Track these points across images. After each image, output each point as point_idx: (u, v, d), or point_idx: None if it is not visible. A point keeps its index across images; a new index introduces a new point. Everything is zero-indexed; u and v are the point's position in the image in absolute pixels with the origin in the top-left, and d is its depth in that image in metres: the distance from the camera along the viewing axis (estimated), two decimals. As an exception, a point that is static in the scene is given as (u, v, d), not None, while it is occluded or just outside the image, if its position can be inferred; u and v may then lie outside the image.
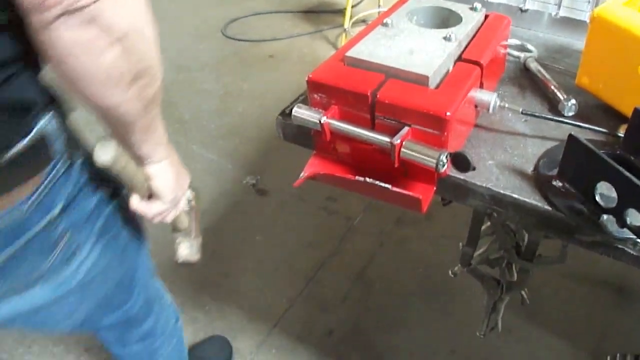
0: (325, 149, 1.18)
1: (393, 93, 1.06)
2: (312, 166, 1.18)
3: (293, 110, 1.13)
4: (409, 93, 1.05)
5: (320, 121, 1.09)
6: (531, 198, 1.08)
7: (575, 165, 1.06)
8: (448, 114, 1.00)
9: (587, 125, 1.22)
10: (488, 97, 1.17)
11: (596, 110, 1.33)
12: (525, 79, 1.46)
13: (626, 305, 2.67)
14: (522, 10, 1.71)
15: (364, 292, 2.74)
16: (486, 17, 1.36)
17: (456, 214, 3.00)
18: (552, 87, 1.36)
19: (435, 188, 1.11)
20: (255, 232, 3.09)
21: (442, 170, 1.02)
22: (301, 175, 1.16)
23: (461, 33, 1.22)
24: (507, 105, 1.21)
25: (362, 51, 1.15)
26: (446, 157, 1.01)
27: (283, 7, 5.77)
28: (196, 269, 2.82)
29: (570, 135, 1.04)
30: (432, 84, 1.08)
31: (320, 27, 5.31)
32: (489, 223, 1.82)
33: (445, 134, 1.03)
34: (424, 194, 1.08)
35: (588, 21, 1.56)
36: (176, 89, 4.39)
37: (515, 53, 1.52)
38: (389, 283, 2.78)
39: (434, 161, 1.00)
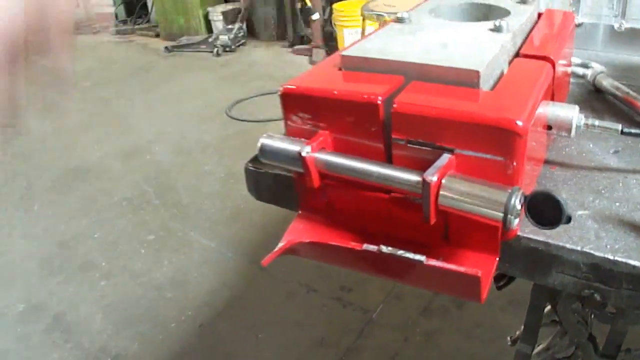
0: (314, 204, 0.75)
1: (420, 98, 0.63)
2: (294, 233, 0.74)
3: (260, 142, 0.71)
4: (449, 97, 0.63)
5: (301, 154, 0.66)
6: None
7: None
8: (519, 123, 0.57)
9: None
10: (567, 111, 0.74)
11: None
12: (599, 102, 1.07)
13: None
14: (575, 25, 1.30)
15: (390, 398, 2.27)
16: (539, 16, 0.96)
17: (492, 298, 2.54)
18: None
19: (497, 259, 0.67)
20: (259, 329, 2.66)
21: (515, 225, 0.58)
22: (276, 248, 0.72)
23: (514, 24, 0.80)
24: (597, 123, 0.78)
25: (367, 49, 0.73)
26: (520, 200, 0.58)
27: (290, 85, 5.49)
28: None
29: None
30: (485, 84, 0.65)
31: (329, 104, 4.98)
32: (549, 307, 1.37)
33: (516, 160, 0.59)
34: (483, 267, 0.63)
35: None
36: (175, 172, 4.10)
37: (579, 71, 1.11)
38: (418, 386, 2.31)
39: (500, 209, 0.57)
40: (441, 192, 0.59)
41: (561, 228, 0.65)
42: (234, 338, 2.63)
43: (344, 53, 0.72)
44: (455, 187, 0.59)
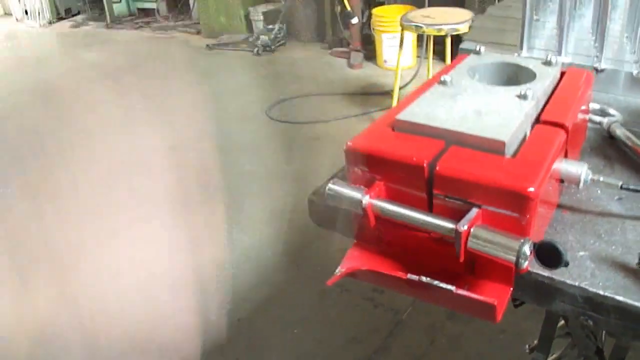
0: (368, 237, 0.93)
1: (457, 164, 0.81)
2: (351, 260, 0.93)
3: (327, 187, 0.89)
4: (479, 163, 0.81)
5: (361, 202, 0.85)
6: (642, 301, 0.81)
7: None
8: (531, 189, 0.75)
9: None
10: (577, 168, 0.92)
11: None
12: (611, 149, 1.21)
13: None
14: (597, 71, 1.45)
15: (414, 396, 2.42)
16: (562, 74, 1.13)
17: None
18: (650, 158, 1.10)
19: (511, 289, 0.85)
20: (294, 324, 2.83)
21: (524, 266, 0.76)
22: (336, 271, 0.91)
23: (538, 90, 0.98)
24: (602, 179, 0.95)
25: (416, 113, 0.91)
26: (530, 248, 0.75)
27: (329, 89, 5.64)
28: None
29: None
30: (509, 151, 0.83)
31: (368, 109, 5.13)
32: (562, 322, 1.53)
33: (528, 216, 0.77)
34: (498, 297, 0.82)
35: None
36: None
37: (596, 118, 1.27)
38: (442, 387, 2.46)
39: (514, 254, 0.75)
40: (470, 239, 0.77)
41: (561, 268, 0.82)
42: (270, 332, 2.78)
43: (398, 117, 0.91)
44: (480, 235, 0.77)
